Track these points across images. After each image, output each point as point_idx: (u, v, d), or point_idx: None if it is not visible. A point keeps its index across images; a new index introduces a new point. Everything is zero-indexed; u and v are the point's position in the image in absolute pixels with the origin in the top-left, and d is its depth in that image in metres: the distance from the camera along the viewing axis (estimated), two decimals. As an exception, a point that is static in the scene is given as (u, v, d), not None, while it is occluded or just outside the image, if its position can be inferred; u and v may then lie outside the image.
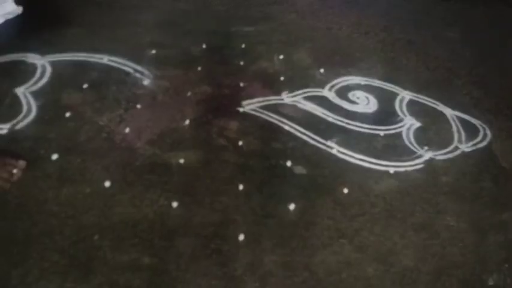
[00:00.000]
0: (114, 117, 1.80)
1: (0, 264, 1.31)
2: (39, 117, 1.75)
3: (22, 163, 1.52)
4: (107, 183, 1.56)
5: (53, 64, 2.00)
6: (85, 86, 1.92)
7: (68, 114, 1.78)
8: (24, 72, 1.94)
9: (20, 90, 1.84)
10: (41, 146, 1.65)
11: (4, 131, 1.68)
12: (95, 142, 1.70)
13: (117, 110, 1.84)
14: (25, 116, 1.74)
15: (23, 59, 2.01)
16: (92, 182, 1.56)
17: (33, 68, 1.97)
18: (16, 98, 1.82)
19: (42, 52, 2.05)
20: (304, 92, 2.08)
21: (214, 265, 1.38)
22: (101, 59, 2.07)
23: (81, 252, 1.36)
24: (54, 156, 1.62)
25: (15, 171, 1.50)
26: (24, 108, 1.78)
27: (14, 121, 1.72)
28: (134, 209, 1.50)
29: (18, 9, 1.59)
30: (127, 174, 1.60)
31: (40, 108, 1.79)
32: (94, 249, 1.37)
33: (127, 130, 1.76)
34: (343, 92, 2.11)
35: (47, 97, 1.84)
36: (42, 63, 2.00)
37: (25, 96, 1.82)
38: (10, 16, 1.62)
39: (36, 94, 1.84)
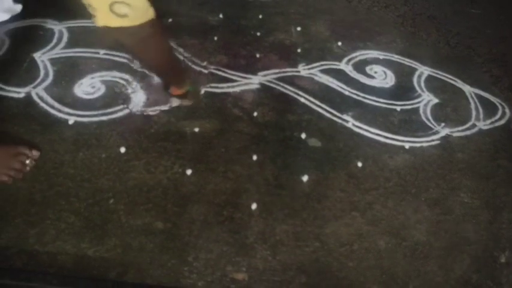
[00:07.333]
0: (130, 84, 1.81)
1: (19, 224, 1.33)
2: (56, 82, 1.76)
3: (36, 153, 1.49)
4: (122, 149, 1.57)
5: (70, 30, 2.01)
6: (102, 52, 1.91)
7: (84, 80, 1.79)
8: (41, 38, 1.95)
9: (37, 55, 1.85)
10: (58, 111, 1.66)
11: (22, 95, 1.70)
12: (111, 108, 1.71)
13: (134, 78, 1.84)
14: (42, 80, 1.76)
15: (41, 24, 2.01)
16: (107, 147, 1.58)
17: (50, 33, 1.97)
18: (34, 62, 1.83)
19: (60, 18, 2.05)
20: (321, 65, 2.06)
21: (226, 232, 1.40)
22: (118, 26, 2.06)
23: (97, 215, 1.38)
24: (71, 121, 1.63)
25: (28, 161, 1.47)
26: (42, 72, 1.79)
27: (32, 85, 1.73)
28: (149, 175, 1.51)
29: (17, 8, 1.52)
30: (142, 141, 1.61)
31: (57, 73, 1.79)
32: (109, 212, 1.40)
33: (143, 97, 1.76)
34: (360, 66, 2.08)
35: (64, 62, 1.85)
36: (59, 28, 2.00)
37: (42, 61, 1.83)
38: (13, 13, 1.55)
39: (53, 59, 1.85)
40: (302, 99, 1.87)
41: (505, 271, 1.42)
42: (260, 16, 2.29)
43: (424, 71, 2.10)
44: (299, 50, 2.12)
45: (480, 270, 1.41)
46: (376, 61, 2.13)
